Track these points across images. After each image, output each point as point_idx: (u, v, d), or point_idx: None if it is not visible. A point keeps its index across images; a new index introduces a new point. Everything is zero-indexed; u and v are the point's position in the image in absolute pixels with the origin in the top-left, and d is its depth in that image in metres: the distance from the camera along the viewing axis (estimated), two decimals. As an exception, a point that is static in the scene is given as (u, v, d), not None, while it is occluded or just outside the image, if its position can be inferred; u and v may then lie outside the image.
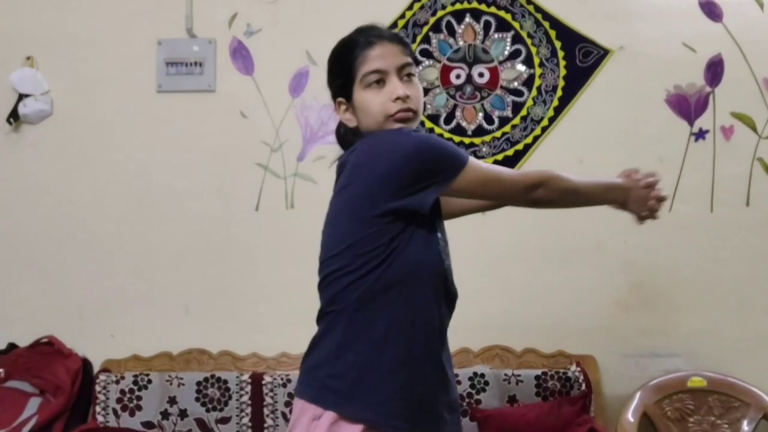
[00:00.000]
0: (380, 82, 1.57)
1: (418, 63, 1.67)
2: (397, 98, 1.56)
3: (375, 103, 1.57)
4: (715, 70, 2.76)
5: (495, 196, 1.69)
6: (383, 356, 1.51)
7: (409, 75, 1.60)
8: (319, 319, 1.62)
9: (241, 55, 2.87)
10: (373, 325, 1.51)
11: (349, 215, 1.55)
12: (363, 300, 1.52)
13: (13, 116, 2.88)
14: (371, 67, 1.57)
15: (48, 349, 2.78)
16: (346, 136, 1.69)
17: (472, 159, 1.57)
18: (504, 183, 1.61)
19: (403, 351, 1.52)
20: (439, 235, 1.61)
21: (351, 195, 1.55)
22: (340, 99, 1.64)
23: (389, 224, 1.50)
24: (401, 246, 1.51)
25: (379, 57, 1.57)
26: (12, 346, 2.82)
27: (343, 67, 1.61)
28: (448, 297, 1.62)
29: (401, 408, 1.51)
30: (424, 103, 2.79)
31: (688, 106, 2.77)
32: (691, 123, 2.77)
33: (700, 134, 2.77)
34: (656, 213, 1.85)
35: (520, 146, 2.80)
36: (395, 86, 1.56)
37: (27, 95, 2.87)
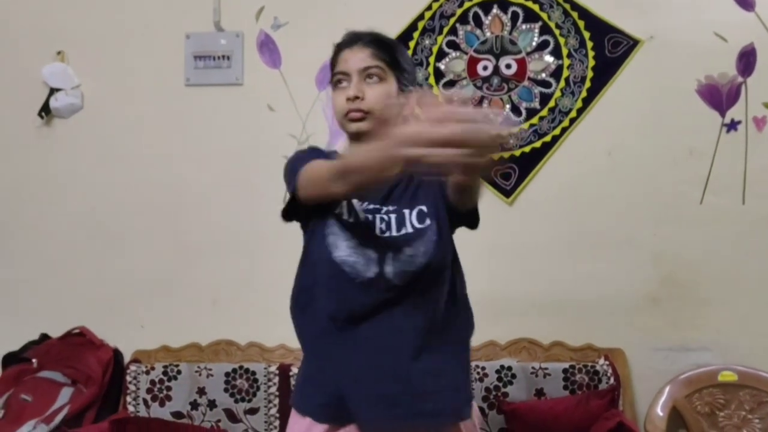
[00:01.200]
0: (345, 82, 1.66)
1: (401, 68, 1.68)
2: (348, 98, 1.63)
3: (336, 103, 1.67)
4: (747, 59, 2.71)
5: (324, 197, 1.55)
6: (305, 356, 1.72)
7: (375, 77, 1.65)
8: None
9: (268, 48, 2.88)
10: (297, 326, 1.72)
11: None
12: (293, 303, 1.71)
13: (45, 110, 2.92)
14: (338, 69, 1.68)
15: (79, 340, 2.82)
16: None
17: (306, 166, 1.56)
18: (317, 183, 1.52)
19: (307, 348, 1.70)
20: (333, 228, 1.62)
21: None
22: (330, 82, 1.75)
23: (305, 233, 1.72)
24: (308, 249, 1.69)
25: (345, 59, 1.67)
26: (44, 337, 2.86)
27: (331, 67, 1.73)
28: (356, 285, 1.59)
29: (308, 395, 1.67)
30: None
31: (719, 97, 2.73)
32: (722, 114, 2.73)
33: (732, 125, 2.72)
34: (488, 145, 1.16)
35: (548, 138, 2.78)
36: (351, 87, 1.64)
37: (58, 89, 2.91)
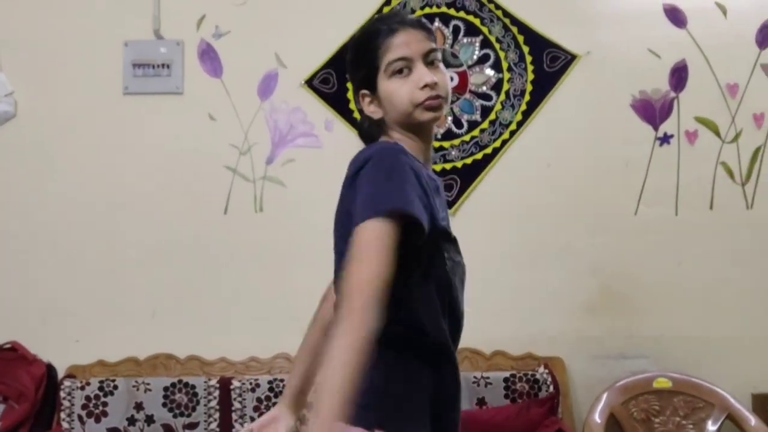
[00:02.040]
0: (406, 69, 1.49)
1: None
2: (425, 85, 1.48)
3: (402, 93, 1.49)
4: (679, 75, 2.81)
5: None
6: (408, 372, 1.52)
7: (435, 61, 1.53)
8: None
9: (209, 57, 2.86)
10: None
11: None
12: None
13: (-24, 118, 2.83)
14: (396, 55, 1.49)
15: (11, 355, 2.73)
16: (370, 129, 1.60)
17: (377, 225, 1.34)
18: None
19: (417, 366, 1.53)
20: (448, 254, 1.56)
21: None
22: (364, 91, 1.55)
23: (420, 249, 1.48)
24: (428, 270, 1.54)
25: (403, 44, 1.49)
26: (-26, 352, 2.77)
27: (366, 58, 1.53)
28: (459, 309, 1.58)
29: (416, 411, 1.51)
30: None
31: (653, 111, 2.81)
32: (656, 127, 2.82)
33: (665, 138, 2.81)
34: None
35: (488, 150, 2.82)
36: (422, 73, 1.48)
37: (-10, 97, 2.83)
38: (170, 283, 2.81)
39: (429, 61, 1.50)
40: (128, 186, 2.84)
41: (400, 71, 1.49)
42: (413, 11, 2.83)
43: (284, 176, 2.82)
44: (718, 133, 2.80)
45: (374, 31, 1.53)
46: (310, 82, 2.85)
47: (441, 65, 1.53)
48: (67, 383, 2.64)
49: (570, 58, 2.82)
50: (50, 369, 2.74)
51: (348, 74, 1.61)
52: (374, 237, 1.33)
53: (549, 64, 2.82)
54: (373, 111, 1.55)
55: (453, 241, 1.55)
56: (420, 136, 1.54)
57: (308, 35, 2.87)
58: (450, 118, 2.82)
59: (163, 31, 2.85)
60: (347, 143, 2.81)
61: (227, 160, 2.84)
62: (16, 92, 2.86)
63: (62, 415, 2.61)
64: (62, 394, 2.63)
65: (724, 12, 2.81)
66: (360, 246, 1.33)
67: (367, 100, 1.54)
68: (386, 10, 2.83)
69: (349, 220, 1.41)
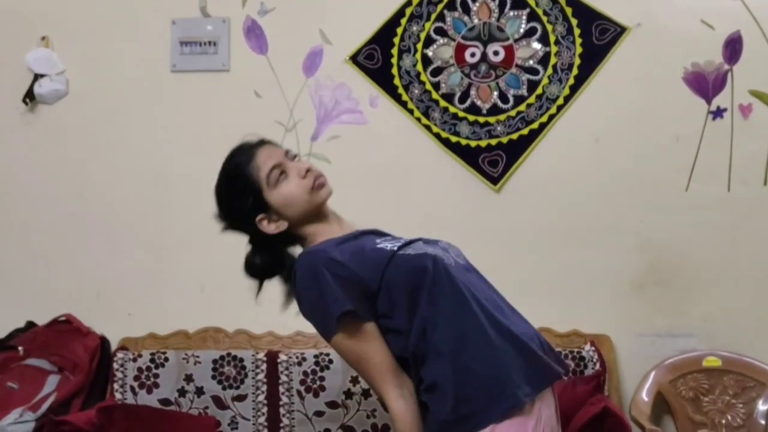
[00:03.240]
0: (283, 174, 1.72)
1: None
2: (306, 171, 1.72)
3: (293, 189, 1.71)
4: (733, 47, 2.72)
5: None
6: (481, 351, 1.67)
7: (294, 157, 1.78)
8: None
9: (254, 34, 2.87)
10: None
11: None
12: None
13: (29, 96, 2.89)
14: (268, 166, 1.71)
15: (66, 327, 2.81)
16: (277, 255, 1.83)
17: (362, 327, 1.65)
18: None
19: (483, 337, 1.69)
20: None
21: None
22: (260, 216, 1.74)
23: None
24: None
25: (267, 157, 1.72)
26: (30, 324, 2.85)
27: (246, 187, 1.72)
28: None
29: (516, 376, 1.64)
30: (439, 82, 2.80)
31: (705, 84, 2.74)
32: (708, 101, 2.74)
33: (718, 113, 2.74)
34: None
35: (535, 125, 2.78)
36: (297, 167, 1.73)
37: (42, 75, 2.88)
38: (218, 258, 2.84)
39: (291, 158, 1.75)
40: (176, 162, 2.88)
41: (279, 175, 1.71)
42: (459, -15, 2.79)
43: (329, 153, 2.83)
44: (773, 107, 2.72)
45: (238, 165, 1.75)
46: (354, 58, 2.84)
47: (299, 156, 1.79)
48: (119, 355, 2.71)
49: (620, 31, 2.75)
50: (104, 341, 2.81)
51: (231, 221, 1.82)
52: (343, 347, 1.66)
53: (598, 36, 2.76)
54: (276, 226, 1.74)
55: (415, 248, 1.70)
56: (323, 217, 1.76)
57: (352, 11, 2.85)
58: (496, 93, 2.79)
59: (209, 9, 2.87)
60: (392, 119, 2.83)
61: (273, 136, 2.76)
62: (67, 71, 2.92)
63: (115, 386, 2.68)
64: (115, 366, 2.70)
65: (782, -19, 2.72)
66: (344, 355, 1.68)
67: (266, 221, 1.74)
68: (431, -16, 2.80)
69: None
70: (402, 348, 1.64)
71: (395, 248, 1.67)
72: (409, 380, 1.64)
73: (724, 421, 2.57)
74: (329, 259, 1.63)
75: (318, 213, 1.75)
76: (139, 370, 2.67)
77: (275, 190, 1.71)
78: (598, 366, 2.57)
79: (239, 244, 2.83)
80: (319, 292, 1.62)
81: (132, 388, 2.67)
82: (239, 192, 1.73)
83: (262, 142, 1.77)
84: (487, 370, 1.57)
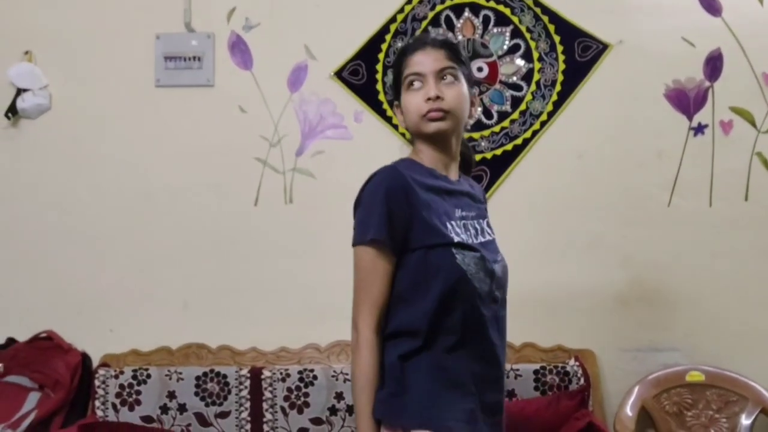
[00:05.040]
0: (418, 83, 1.69)
1: (469, 69, 1.78)
2: (428, 98, 1.66)
3: (412, 104, 1.69)
4: (714, 64, 2.76)
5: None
6: (426, 373, 1.69)
7: (449, 77, 1.70)
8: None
9: (239, 49, 2.87)
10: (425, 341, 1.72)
11: None
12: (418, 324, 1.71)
13: (12, 111, 2.88)
14: (411, 70, 1.69)
15: (47, 344, 2.78)
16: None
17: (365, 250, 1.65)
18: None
19: (433, 363, 1.70)
20: (455, 249, 1.70)
21: None
22: (396, 102, 1.77)
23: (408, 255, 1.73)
24: (425, 269, 1.71)
25: (419, 61, 1.69)
26: (11, 341, 2.82)
27: (395, 72, 1.75)
28: (482, 298, 1.75)
29: (449, 404, 1.66)
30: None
31: (687, 101, 2.77)
32: (690, 117, 2.77)
33: (699, 129, 2.77)
34: None
35: (519, 141, 2.80)
36: (429, 87, 1.67)
37: (25, 90, 2.87)
38: (202, 273, 2.84)
39: (442, 77, 1.69)
40: (160, 178, 2.87)
41: (412, 84, 1.69)
42: (442, 1, 2.81)
43: (314, 168, 2.83)
44: (753, 123, 2.75)
45: (403, 48, 1.77)
46: (339, 74, 2.85)
47: (457, 82, 1.70)
48: (101, 372, 2.68)
49: (602, 48, 2.78)
50: (85, 358, 2.79)
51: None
52: (358, 261, 1.65)
53: (580, 53, 2.79)
54: (401, 120, 1.76)
55: (458, 234, 1.67)
56: (435, 146, 1.72)
57: (338, 27, 2.87)
58: (480, 109, 2.81)
59: (194, 24, 2.87)
60: (377, 135, 2.83)
61: (257, 151, 2.86)
62: (50, 85, 2.91)
63: (97, 403, 2.65)
64: (97, 383, 2.67)
65: (761, 0, 2.76)
66: (354, 268, 1.66)
67: (398, 110, 1.77)
68: (416, 1, 2.82)
69: None
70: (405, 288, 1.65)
71: (462, 240, 1.65)
72: (383, 325, 1.65)
73: (707, 436, 2.58)
74: (401, 188, 1.62)
75: (429, 140, 1.72)
76: (121, 386, 2.65)
77: (405, 93, 1.72)
78: (582, 381, 2.57)
79: (223, 260, 2.84)
80: (369, 209, 1.63)
81: (114, 405, 2.64)
82: (393, 71, 1.77)
83: (437, 43, 1.72)
84: (447, 388, 1.60)
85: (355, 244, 1.65)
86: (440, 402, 1.58)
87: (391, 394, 1.59)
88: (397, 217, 1.61)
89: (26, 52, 2.89)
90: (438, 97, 1.66)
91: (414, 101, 1.68)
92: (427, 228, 1.61)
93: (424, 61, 1.68)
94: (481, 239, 1.72)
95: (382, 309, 1.64)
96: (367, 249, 1.62)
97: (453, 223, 1.66)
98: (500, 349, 1.70)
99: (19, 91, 2.87)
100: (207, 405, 2.62)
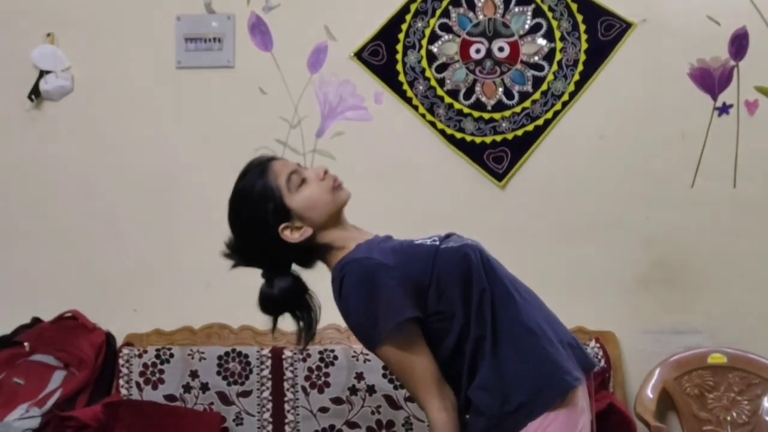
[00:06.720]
0: (301, 179, 1.66)
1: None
2: (324, 173, 1.67)
3: (315, 191, 1.66)
4: (739, 43, 2.71)
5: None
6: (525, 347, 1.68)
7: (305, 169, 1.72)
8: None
9: (259, 30, 2.87)
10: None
11: None
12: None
13: (35, 93, 2.90)
14: (287, 172, 1.66)
15: (72, 324, 2.82)
16: (297, 280, 1.81)
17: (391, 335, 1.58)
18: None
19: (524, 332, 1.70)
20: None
21: None
22: (283, 225, 1.66)
23: None
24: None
25: (283, 166, 1.68)
26: (36, 321, 2.86)
27: (265, 195, 1.65)
28: None
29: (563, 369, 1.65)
30: (444, 78, 2.79)
31: (711, 80, 2.73)
32: (714, 97, 2.73)
33: (724, 109, 2.73)
34: None
35: (540, 122, 2.78)
36: (313, 171, 1.69)
37: (48, 72, 2.89)
38: (223, 254, 2.86)
39: (304, 168, 1.70)
40: (181, 158, 2.88)
41: (299, 181, 1.65)
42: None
43: (334, 149, 2.83)
44: (779, 103, 2.71)
45: (253, 177, 1.68)
46: (359, 55, 2.84)
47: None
48: (125, 351, 2.72)
49: (625, 27, 2.75)
50: (109, 337, 2.82)
51: (248, 242, 1.77)
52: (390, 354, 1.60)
53: (603, 32, 2.76)
54: (301, 233, 1.66)
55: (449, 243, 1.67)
56: (343, 222, 1.71)
57: (357, 8, 2.85)
58: (501, 89, 2.79)
59: (214, 5, 2.87)
60: (397, 115, 2.82)
61: (278, 133, 2.86)
62: (73, 67, 2.93)
63: (121, 381, 2.69)
64: (121, 362, 2.71)
65: (789, -24, 2.71)
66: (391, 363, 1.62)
67: (289, 230, 1.66)
68: (436, -20, 2.80)
69: None
70: (457, 339, 1.60)
71: (437, 243, 1.65)
72: (451, 392, 1.61)
73: (729, 418, 2.56)
74: (379, 263, 1.58)
75: (339, 217, 1.71)
76: (145, 366, 2.68)
77: (297, 194, 1.65)
78: (603, 363, 2.56)
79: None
80: (377, 300, 1.56)
81: (137, 384, 2.68)
82: (258, 202, 1.66)
83: (272, 158, 1.73)
84: (534, 358, 1.58)
85: (377, 343, 1.59)
86: (542, 369, 1.57)
87: (506, 402, 1.56)
88: (404, 284, 1.57)
89: (48, 34, 2.91)
90: (327, 170, 1.68)
91: (315, 187, 1.66)
92: (418, 258, 1.63)
93: (285, 164, 1.69)
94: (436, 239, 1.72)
95: (440, 379, 1.60)
96: (394, 337, 1.56)
97: (419, 241, 1.69)
98: (534, 300, 1.71)
99: (42, 73, 2.89)
100: (229, 384, 2.65)
